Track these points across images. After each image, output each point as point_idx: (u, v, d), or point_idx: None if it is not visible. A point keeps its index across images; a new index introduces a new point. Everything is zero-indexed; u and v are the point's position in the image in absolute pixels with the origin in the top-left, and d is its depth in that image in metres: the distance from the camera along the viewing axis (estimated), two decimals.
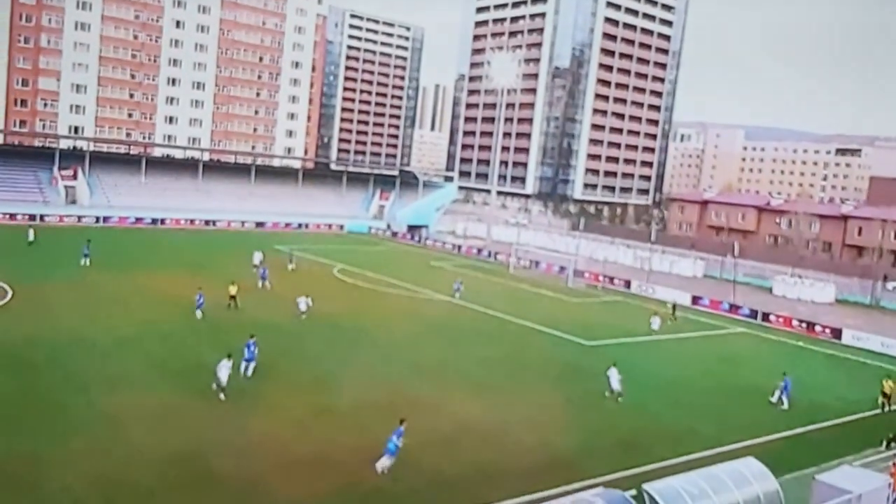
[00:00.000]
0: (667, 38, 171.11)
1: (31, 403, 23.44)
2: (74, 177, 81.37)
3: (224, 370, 25.39)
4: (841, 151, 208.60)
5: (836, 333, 47.58)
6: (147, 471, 19.30)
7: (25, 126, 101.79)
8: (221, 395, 25.20)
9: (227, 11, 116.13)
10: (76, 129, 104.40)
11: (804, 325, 49.56)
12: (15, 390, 24.51)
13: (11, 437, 20.69)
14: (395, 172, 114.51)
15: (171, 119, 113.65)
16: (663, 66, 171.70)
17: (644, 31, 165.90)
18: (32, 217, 72.24)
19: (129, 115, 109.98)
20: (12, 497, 17.35)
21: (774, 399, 30.80)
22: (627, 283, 61.77)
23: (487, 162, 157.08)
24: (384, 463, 20.31)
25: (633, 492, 18.02)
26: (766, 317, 51.67)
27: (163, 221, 79.48)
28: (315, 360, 31.57)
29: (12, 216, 71.24)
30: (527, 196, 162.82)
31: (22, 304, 36.71)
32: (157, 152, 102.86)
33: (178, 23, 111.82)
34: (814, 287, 67.09)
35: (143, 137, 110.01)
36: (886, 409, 30.73)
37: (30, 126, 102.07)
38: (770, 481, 18.70)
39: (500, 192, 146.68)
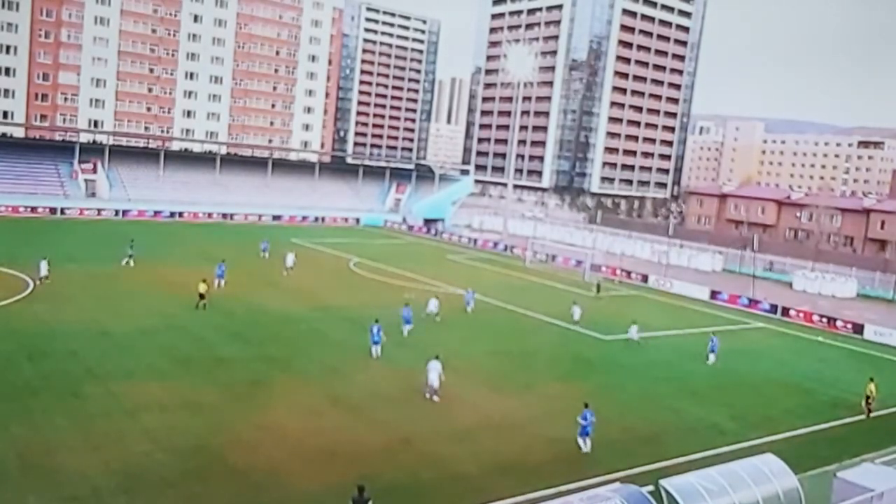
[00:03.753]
0: (685, 29, 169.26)
1: (51, 392, 23.70)
2: (94, 170, 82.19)
3: (434, 372, 25.78)
4: (863, 144, 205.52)
5: (858, 329, 46.88)
6: (164, 461, 19.44)
7: (46, 120, 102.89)
8: (435, 398, 25.68)
9: (244, 5, 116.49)
10: (96, 123, 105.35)
11: (825, 320, 48.88)
12: (35, 379, 24.80)
13: (32, 424, 20.94)
14: (412, 166, 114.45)
15: (188, 113, 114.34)
16: (682, 58, 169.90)
17: (662, 22, 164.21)
18: (53, 210, 73.14)
19: (148, 109, 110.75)
20: (32, 484, 17.56)
21: (711, 361, 34.71)
22: (645, 278, 61.31)
23: (504, 155, 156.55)
24: (585, 445, 22.23)
25: (650, 487, 17.83)
26: (785, 311, 51.04)
27: (181, 215, 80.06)
28: (330, 351, 31.65)
29: (34, 209, 72.16)
30: (543, 189, 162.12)
31: (42, 295, 37.15)
32: (176, 146, 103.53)
33: (195, 17, 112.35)
34: (835, 282, 66.16)
35: (162, 131, 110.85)
36: (870, 414, 28.62)
37: (50, 120, 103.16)
38: (789, 478, 18.41)
39: (516, 186, 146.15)
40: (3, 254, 47.51)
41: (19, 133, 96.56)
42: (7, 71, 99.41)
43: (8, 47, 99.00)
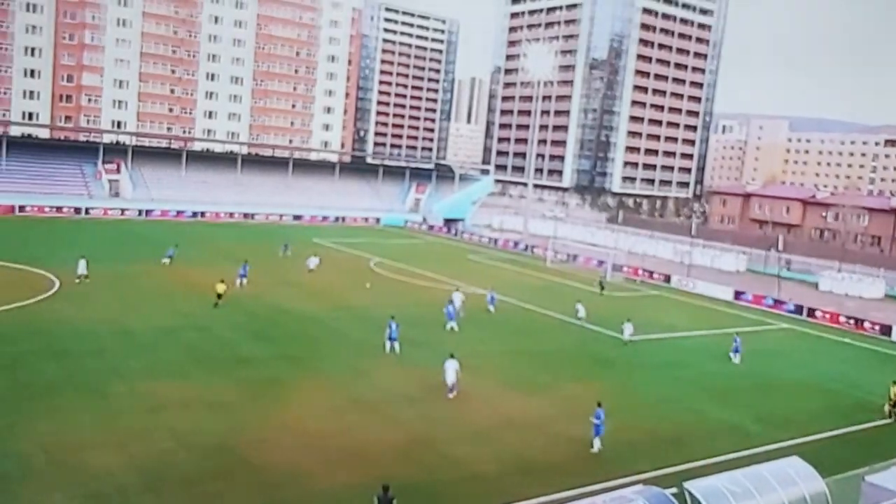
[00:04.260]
0: (707, 28, 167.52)
1: (76, 391, 23.97)
2: (117, 171, 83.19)
3: (451, 370, 26.09)
4: (890, 142, 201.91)
5: (886, 330, 46.04)
6: (187, 458, 19.58)
7: (70, 121, 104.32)
8: (453, 394, 26.02)
9: (264, 6, 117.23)
10: (119, 123, 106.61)
11: (852, 321, 48.07)
12: (60, 378, 25.09)
13: (57, 422, 21.18)
14: (431, 166, 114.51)
15: (210, 114, 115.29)
16: (704, 56, 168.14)
17: (683, 21, 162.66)
18: (78, 210, 74.12)
19: (170, 110, 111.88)
20: (58, 480, 17.76)
21: (736, 361, 35.02)
22: (667, 278, 60.73)
23: (524, 155, 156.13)
24: (596, 444, 22.26)
25: (675, 490, 17.61)
26: (811, 313, 50.27)
27: (203, 214, 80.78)
28: (350, 351, 31.69)
29: (59, 209, 73.21)
30: (564, 189, 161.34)
31: (68, 294, 37.63)
32: (197, 146, 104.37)
33: (215, 19, 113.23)
34: (862, 282, 65.06)
35: (184, 132, 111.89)
36: (894, 417, 28.06)
37: (74, 121, 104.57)
38: (817, 481, 18.12)
39: (536, 185, 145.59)
40: (29, 253, 48.24)
41: (44, 134, 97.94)
42: (32, 73, 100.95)
43: (32, 49, 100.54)
